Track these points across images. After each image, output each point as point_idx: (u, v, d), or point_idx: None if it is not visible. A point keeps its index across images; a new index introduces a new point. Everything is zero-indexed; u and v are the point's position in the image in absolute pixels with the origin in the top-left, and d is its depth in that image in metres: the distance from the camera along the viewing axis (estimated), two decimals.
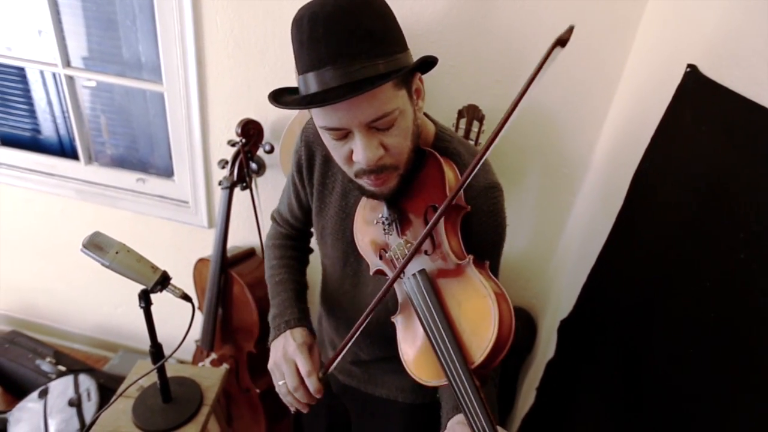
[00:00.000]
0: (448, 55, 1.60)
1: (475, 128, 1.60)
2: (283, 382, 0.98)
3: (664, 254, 0.97)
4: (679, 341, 0.87)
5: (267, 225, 1.92)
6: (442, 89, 1.65)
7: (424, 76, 0.89)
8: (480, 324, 0.75)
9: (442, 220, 0.85)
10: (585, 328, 1.31)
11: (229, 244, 2.02)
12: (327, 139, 0.84)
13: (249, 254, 2.07)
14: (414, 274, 0.85)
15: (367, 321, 0.87)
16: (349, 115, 0.77)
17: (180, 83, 1.90)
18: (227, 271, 1.92)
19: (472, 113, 1.61)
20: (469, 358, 0.75)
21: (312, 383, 0.94)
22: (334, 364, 0.96)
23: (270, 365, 1.03)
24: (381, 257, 0.94)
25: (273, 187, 2.01)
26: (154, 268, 1.10)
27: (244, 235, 2.15)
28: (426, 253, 0.86)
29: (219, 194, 2.00)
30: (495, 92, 1.63)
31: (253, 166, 1.85)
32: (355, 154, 0.81)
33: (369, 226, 0.98)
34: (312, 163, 1.08)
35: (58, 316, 2.70)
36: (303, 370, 0.95)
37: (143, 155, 2.23)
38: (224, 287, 1.94)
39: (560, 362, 1.44)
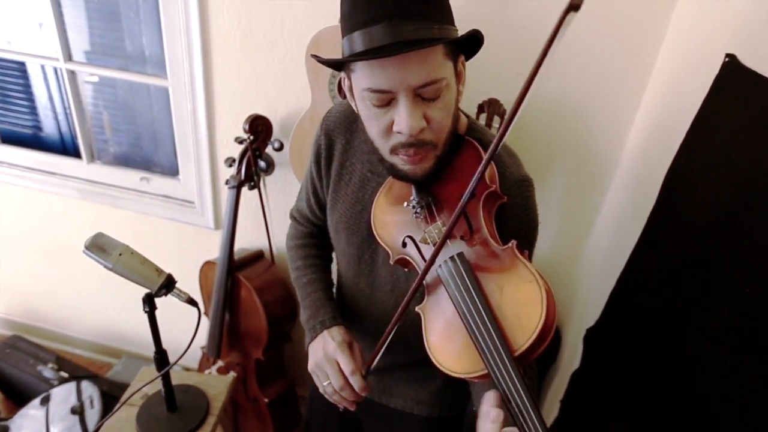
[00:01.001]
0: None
1: (496, 124, 1.60)
2: (328, 383, 0.99)
3: (699, 257, 0.96)
4: (716, 352, 0.86)
5: (276, 226, 2.09)
6: (467, 82, 1.66)
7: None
8: (525, 309, 0.76)
9: (480, 206, 0.86)
10: (613, 336, 1.30)
11: (237, 246, 2.02)
12: (367, 107, 0.85)
13: (257, 257, 2.07)
14: (452, 257, 0.85)
15: (402, 313, 0.88)
16: (399, 76, 0.79)
17: (185, 77, 1.90)
18: (234, 275, 1.93)
19: (492, 108, 1.61)
20: (512, 345, 0.75)
21: (357, 381, 0.97)
22: (375, 362, 0.97)
23: (311, 367, 1.04)
24: (405, 244, 0.94)
25: (282, 187, 2.01)
26: (159, 271, 1.10)
27: (252, 236, 2.15)
28: (462, 238, 0.86)
29: (226, 194, 1.99)
30: (517, 85, 1.61)
31: (262, 164, 1.86)
32: (397, 123, 0.82)
33: (393, 210, 0.98)
34: (331, 152, 1.09)
35: (60, 320, 2.72)
36: (346, 369, 0.97)
37: (147, 153, 2.23)
38: (231, 291, 1.94)
39: (586, 373, 1.42)
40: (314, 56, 0.88)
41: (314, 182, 1.16)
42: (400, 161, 0.89)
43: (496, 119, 1.60)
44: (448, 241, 0.87)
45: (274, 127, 1.88)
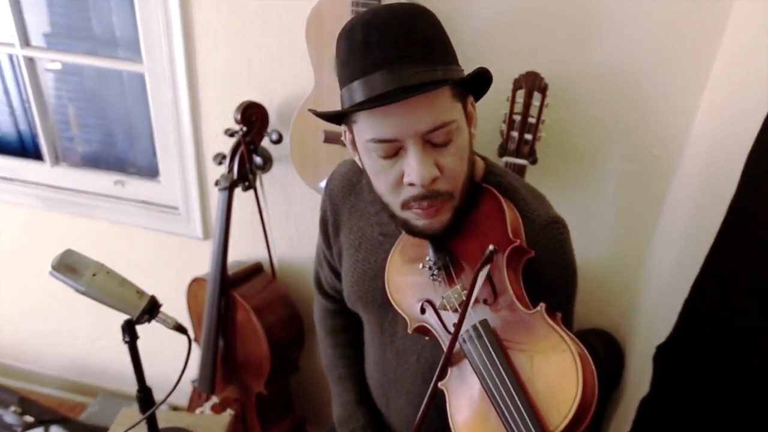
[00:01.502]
0: (500, 10, 1.61)
1: (536, 101, 1.61)
2: None
3: None
4: None
5: (277, 233, 2.08)
6: (493, 53, 1.66)
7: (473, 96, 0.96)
8: (559, 384, 0.78)
9: (504, 265, 0.89)
10: (689, 355, 1.30)
11: (231, 258, 2.01)
12: (373, 159, 0.90)
13: (255, 271, 2.08)
14: (474, 326, 0.89)
15: (430, 400, 0.91)
16: (404, 123, 0.84)
17: (164, 61, 1.89)
18: (229, 293, 1.94)
19: (531, 82, 1.61)
20: (547, 426, 0.77)
21: None
22: None
23: None
24: (423, 310, 0.98)
25: (283, 186, 2.02)
26: (140, 292, 1.10)
27: (248, 247, 2.15)
28: (486, 302, 0.90)
29: (216, 197, 1.99)
30: (560, 56, 1.63)
31: (258, 160, 1.88)
32: (408, 174, 0.88)
33: (409, 272, 1.03)
34: (338, 218, 1.18)
35: (23, 354, 2.72)
36: None
37: (121, 152, 2.23)
38: (226, 313, 1.95)
39: (658, 399, 1.42)
40: (311, 110, 0.94)
41: (325, 252, 1.26)
42: (413, 216, 0.94)
43: (537, 96, 1.61)
44: (468, 307, 0.91)
45: (271, 115, 1.88)
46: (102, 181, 2.23)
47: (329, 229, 1.20)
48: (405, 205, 0.92)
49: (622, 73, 1.62)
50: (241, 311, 1.93)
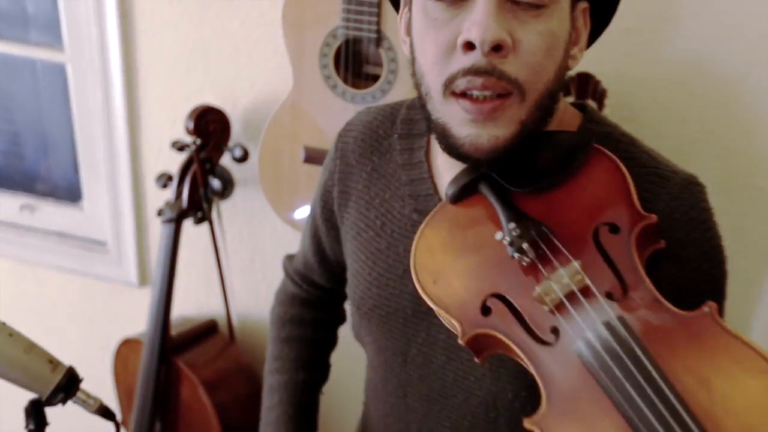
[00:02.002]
0: None
1: None
2: None
3: None
4: None
5: (238, 280, 2.11)
6: None
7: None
8: (763, 420, 0.71)
9: (632, 247, 0.83)
10: None
11: (175, 312, 1.99)
12: (427, 13, 0.88)
13: (207, 330, 2.06)
14: (609, 326, 0.80)
15: None
16: None
17: (93, 48, 1.89)
18: (171, 360, 1.92)
19: (583, 87, 1.59)
20: None
21: None
22: None
23: None
24: (488, 310, 0.88)
25: (247, 218, 2.02)
26: (54, 362, 1.02)
27: (199, 298, 2.15)
28: (610, 296, 0.82)
29: (158, 230, 1.96)
30: (623, 50, 1.61)
31: (215, 183, 1.86)
32: (467, 28, 0.84)
33: (461, 249, 0.95)
34: (347, 188, 1.13)
35: None
36: None
37: (31, 167, 2.25)
38: (166, 387, 1.93)
39: None
40: None
41: (320, 235, 1.21)
42: (458, 114, 0.88)
43: (591, 103, 1.51)
44: (584, 301, 0.81)
45: (234, 125, 1.88)
46: (4, 204, 2.24)
47: (333, 202, 1.14)
48: (450, 88, 0.87)
49: (709, 76, 1.60)
50: (187, 386, 1.90)
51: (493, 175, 0.91)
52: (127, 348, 1.99)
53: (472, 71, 0.84)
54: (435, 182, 1.03)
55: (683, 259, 0.91)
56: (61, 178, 2.21)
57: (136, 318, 2.15)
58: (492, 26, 0.82)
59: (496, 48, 0.82)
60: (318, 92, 1.67)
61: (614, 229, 0.85)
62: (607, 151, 0.92)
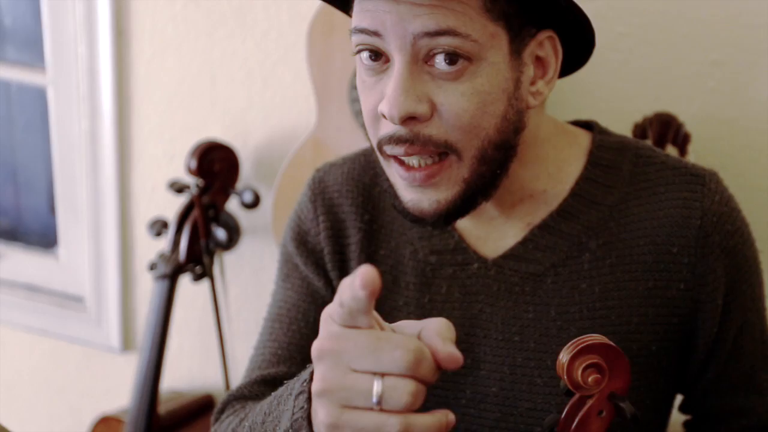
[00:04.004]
0: (617, 20, 1.59)
1: None
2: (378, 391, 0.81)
3: None
4: None
5: (240, 346, 2.01)
6: (603, 84, 1.63)
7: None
8: None
9: None
10: None
11: (165, 385, 1.93)
12: (360, 71, 0.93)
13: (201, 408, 1.98)
14: None
15: None
16: (392, 12, 0.85)
17: (79, 70, 1.90)
18: None
19: (664, 130, 1.53)
20: None
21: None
22: None
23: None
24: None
25: (254, 273, 1.96)
26: None
27: (193, 368, 2.09)
28: None
29: (146, 287, 1.95)
30: (711, 86, 1.55)
31: (219, 233, 1.80)
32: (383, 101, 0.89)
33: None
34: (340, 243, 1.12)
35: None
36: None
37: None
38: None
39: None
40: None
41: (305, 311, 1.14)
42: (397, 179, 0.93)
43: (671, 150, 1.53)
44: None
45: (243, 164, 1.84)
46: None
47: (327, 266, 1.11)
48: (383, 151, 0.92)
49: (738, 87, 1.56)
50: None
51: None
52: (104, 427, 1.89)
53: (393, 140, 0.89)
54: None
55: (731, 247, 0.99)
56: (34, 221, 2.21)
57: (116, 390, 2.12)
58: (400, 100, 0.85)
59: (412, 118, 0.86)
60: (346, 130, 1.64)
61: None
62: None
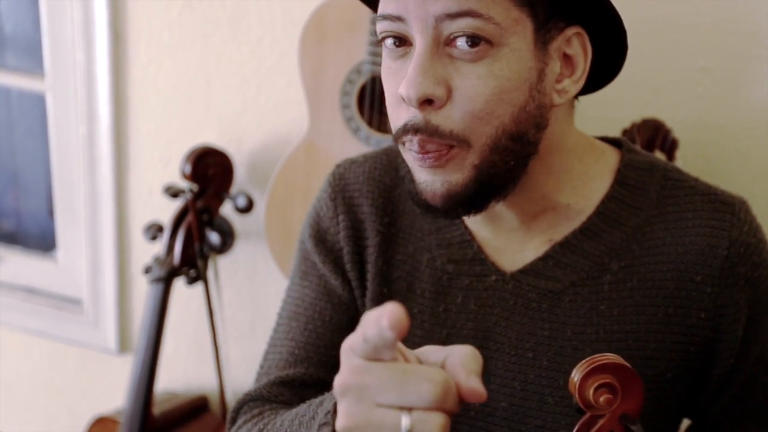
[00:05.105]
0: None
1: None
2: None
3: None
4: None
5: (235, 349, 2.03)
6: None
7: None
8: None
9: None
10: None
11: (160, 386, 1.93)
12: (384, 57, 0.94)
13: (196, 409, 1.99)
14: None
15: None
16: None
17: (78, 76, 1.90)
18: None
19: (651, 135, 1.53)
20: None
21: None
22: None
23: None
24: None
25: (248, 277, 1.96)
26: None
27: (188, 370, 2.09)
28: None
29: (142, 289, 1.95)
30: (699, 93, 1.56)
31: (213, 237, 1.81)
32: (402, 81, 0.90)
33: None
34: (358, 244, 1.11)
35: None
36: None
37: None
38: None
39: None
40: None
41: (319, 308, 1.12)
42: (414, 163, 0.94)
43: (658, 156, 1.52)
44: None
45: (237, 169, 1.85)
46: None
47: (345, 266, 1.10)
48: (401, 141, 0.93)
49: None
50: None
51: None
52: (100, 427, 1.90)
53: (409, 129, 0.89)
54: (467, 226, 1.03)
55: (756, 278, 0.98)
56: (33, 224, 2.20)
57: (112, 391, 2.11)
58: (418, 81, 0.86)
59: (429, 101, 0.87)
60: (337, 135, 1.65)
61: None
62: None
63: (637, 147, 1.06)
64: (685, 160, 1.51)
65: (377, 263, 1.09)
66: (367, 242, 1.11)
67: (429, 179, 0.92)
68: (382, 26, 0.91)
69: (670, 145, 1.50)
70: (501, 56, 0.87)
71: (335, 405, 0.79)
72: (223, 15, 1.75)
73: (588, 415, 0.80)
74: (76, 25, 1.83)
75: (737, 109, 1.56)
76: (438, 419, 0.68)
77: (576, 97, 0.98)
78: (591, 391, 0.80)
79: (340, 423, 0.73)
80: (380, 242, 1.10)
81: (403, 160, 0.96)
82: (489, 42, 0.85)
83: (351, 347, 0.71)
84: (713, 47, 1.53)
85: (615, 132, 1.51)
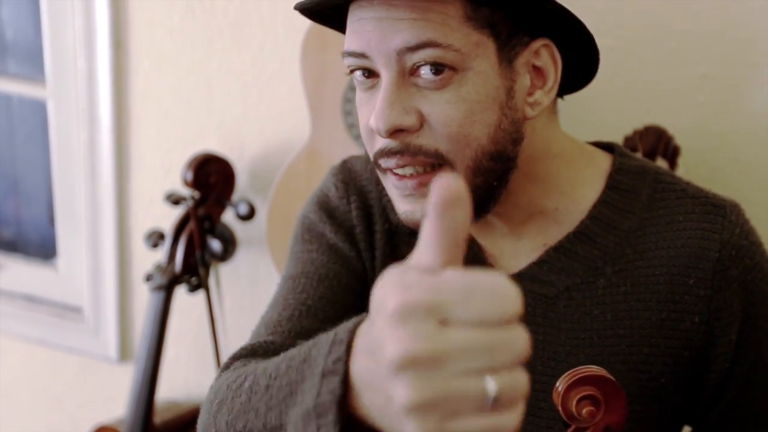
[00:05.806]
0: (607, 33, 1.58)
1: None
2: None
3: None
4: None
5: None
6: (593, 98, 1.54)
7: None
8: None
9: None
10: None
11: (161, 395, 1.93)
12: (358, 93, 0.96)
13: (196, 418, 1.95)
14: None
15: None
16: (375, 32, 0.87)
17: (79, 82, 1.91)
18: None
19: (653, 142, 1.55)
20: None
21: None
22: None
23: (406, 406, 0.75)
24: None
25: (250, 284, 1.96)
26: None
27: (189, 378, 2.08)
28: None
29: (143, 297, 1.95)
30: (699, 99, 1.57)
31: (214, 244, 1.83)
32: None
33: None
34: (369, 228, 1.11)
35: None
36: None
37: None
38: None
39: None
40: (299, 5, 0.97)
41: (333, 270, 1.09)
42: (392, 190, 0.95)
43: (661, 163, 1.53)
44: None
45: (239, 176, 1.86)
46: None
47: (360, 244, 1.10)
48: (379, 165, 0.94)
49: None
50: None
51: None
52: None
53: (385, 153, 0.91)
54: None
55: (749, 281, 0.97)
56: (33, 232, 2.21)
57: (113, 400, 2.11)
58: (386, 113, 0.88)
59: (400, 130, 0.88)
60: (339, 142, 1.65)
61: None
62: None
63: (629, 151, 1.06)
64: (687, 168, 1.52)
65: (385, 249, 1.10)
66: (375, 227, 1.11)
67: (409, 209, 0.93)
68: (348, 61, 0.93)
69: (672, 153, 1.51)
70: (467, 80, 0.89)
71: (347, 347, 0.65)
72: (224, 22, 1.76)
73: (572, 427, 0.81)
74: (77, 31, 1.85)
75: (739, 116, 1.57)
76: (523, 377, 0.54)
77: (561, 96, 0.99)
78: (574, 403, 0.80)
79: (404, 401, 0.54)
80: (388, 230, 1.10)
81: (383, 188, 0.98)
82: (452, 68, 0.87)
83: (406, 303, 0.53)
84: (714, 55, 1.53)
85: (616, 139, 1.55)
